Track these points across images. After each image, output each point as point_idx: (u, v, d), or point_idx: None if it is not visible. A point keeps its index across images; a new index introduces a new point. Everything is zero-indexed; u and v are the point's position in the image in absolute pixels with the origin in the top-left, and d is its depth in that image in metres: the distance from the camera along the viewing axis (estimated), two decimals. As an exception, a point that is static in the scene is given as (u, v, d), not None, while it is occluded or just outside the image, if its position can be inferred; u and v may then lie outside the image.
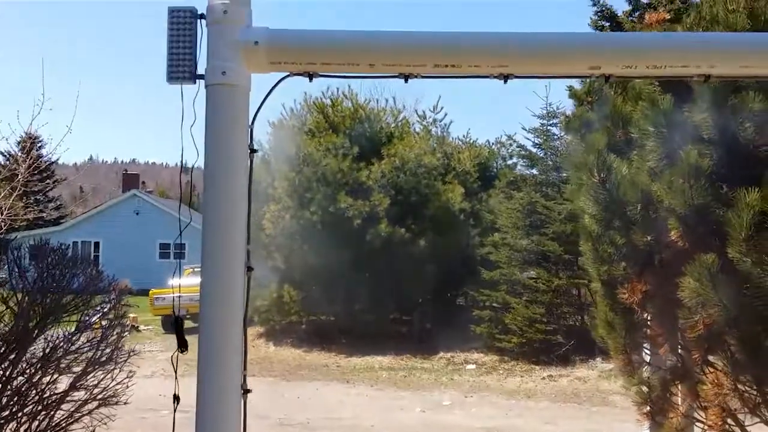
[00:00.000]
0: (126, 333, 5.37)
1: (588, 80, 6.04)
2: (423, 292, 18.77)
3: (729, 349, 4.47)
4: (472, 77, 2.53)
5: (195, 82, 2.48)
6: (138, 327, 21.66)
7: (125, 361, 5.27)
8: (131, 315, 22.47)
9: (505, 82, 2.49)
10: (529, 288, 16.15)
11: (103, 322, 5.26)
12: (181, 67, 2.46)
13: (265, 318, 18.96)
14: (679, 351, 5.21)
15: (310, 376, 14.34)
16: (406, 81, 2.51)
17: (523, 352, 15.33)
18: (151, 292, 22.32)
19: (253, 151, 2.57)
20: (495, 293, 16.36)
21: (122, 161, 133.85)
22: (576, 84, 16.31)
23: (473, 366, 15.10)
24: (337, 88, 20.02)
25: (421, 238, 17.73)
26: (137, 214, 41.26)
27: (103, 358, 4.95)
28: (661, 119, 4.63)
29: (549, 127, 17.51)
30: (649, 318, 5.40)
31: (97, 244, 41.92)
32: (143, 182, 71.88)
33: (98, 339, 4.99)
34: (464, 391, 12.75)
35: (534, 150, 17.79)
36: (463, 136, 24.42)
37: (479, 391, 12.71)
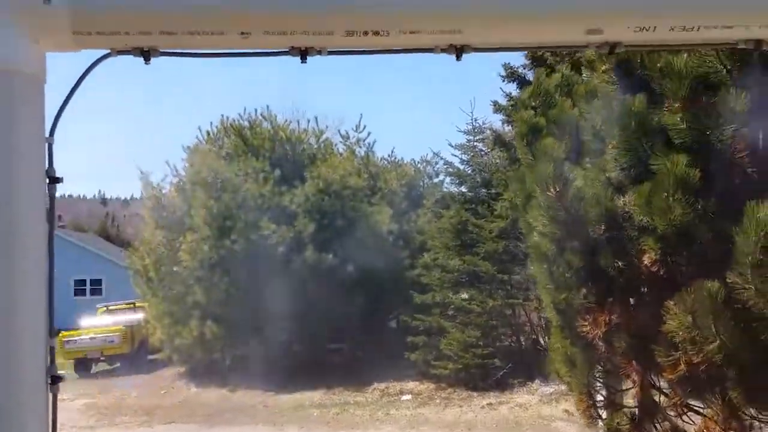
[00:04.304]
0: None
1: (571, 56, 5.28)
2: (354, 320, 17.85)
3: (724, 391, 3.78)
4: (407, 51, 1.72)
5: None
6: (47, 373, 19.91)
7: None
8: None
9: (459, 57, 1.69)
10: (462, 310, 15.47)
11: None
12: None
13: (186, 357, 17.65)
14: (653, 392, 4.52)
15: (235, 419, 13.21)
16: (303, 59, 1.66)
17: (460, 378, 14.61)
18: (60, 334, 20.61)
19: (53, 180, 1.63)
20: (428, 318, 15.61)
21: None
22: (500, 98, 15.93)
23: (409, 397, 14.27)
24: (255, 110, 19.06)
25: (349, 263, 16.88)
26: (48, 249, 38.85)
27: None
28: (630, 122, 3.92)
29: (476, 143, 17.01)
30: (612, 353, 4.69)
31: (4, 283, 39.26)
32: (59, 215, 68.70)
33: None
34: (401, 427, 11.90)
35: (462, 167, 17.22)
36: (389, 156, 23.75)
37: (418, 426, 11.88)
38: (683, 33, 1.65)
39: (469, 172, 16.97)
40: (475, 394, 13.95)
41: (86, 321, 21.23)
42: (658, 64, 3.88)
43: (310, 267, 16.50)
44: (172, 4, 1.55)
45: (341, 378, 15.96)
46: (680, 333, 3.60)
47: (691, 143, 3.78)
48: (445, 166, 18.37)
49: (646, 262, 3.89)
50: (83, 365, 19.78)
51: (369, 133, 20.80)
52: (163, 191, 18.53)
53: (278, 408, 14.03)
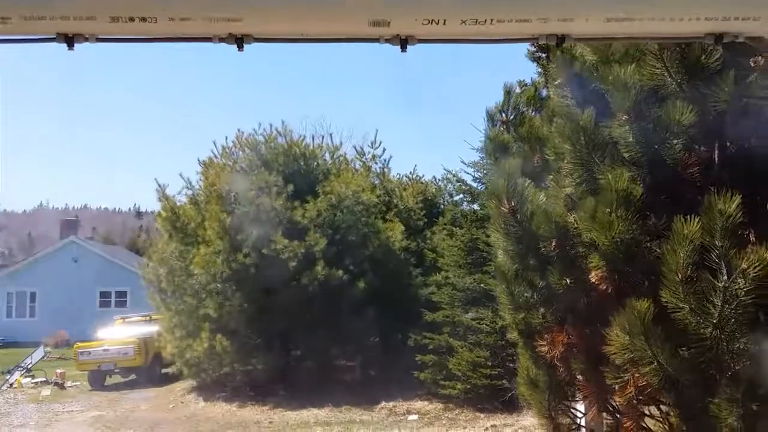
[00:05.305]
0: None
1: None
2: (364, 337, 17.74)
3: (667, 415, 3.62)
4: (182, 40, 1.64)
5: None
6: (63, 384, 20.10)
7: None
8: (58, 370, 21.02)
9: (240, 47, 1.61)
10: (472, 330, 15.24)
11: None
12: None
13: (196, 371, 17.65)
14: (616, 414, 4.35)
15: (236, 434, 13.15)
16: (70, 47, 1.59)
17: (468, 398, 14.38)
18: (75, 345, 20.82)
19: None
20: (438, 336, 15.43)
21: (73, 207, 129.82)
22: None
23: (415, 416, 14.08)
24: (270, 125, 19.15)
25: (361, 280, 16.80)
26: (76, 261, 39.51)
27: None
28: (579, 137, 3.81)
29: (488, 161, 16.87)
30: (576, 375, 4.54)
31: (33, 295, 39.92)
32: (94, 228, 70.00)
33: None
34: (401, 446, 11.73)
35: (474, 185, 17.06)
36: (410, 173, 23.69)
37: (418, 446, 11.69)
38: (477, 27, 1.54)
39: (481, 189, 16.80)
40: (481, 415, 13.72)
41: (102, 333, 21.40)
42: (610, 77, 3.77)
43: (321, 282, 16.43)
44: None
45: (350, 395, 15.82)
46: (620, 354, 3.45)
47: (639, 158, 3.66)
48: (458, 184, 18.23)
49: (593, 280, 3.76)
50: (98, 377, 19.90)
51: (384, 149, 20.79)
52: (178, 204, 18.66)
53: (282, 425, 13.92)
